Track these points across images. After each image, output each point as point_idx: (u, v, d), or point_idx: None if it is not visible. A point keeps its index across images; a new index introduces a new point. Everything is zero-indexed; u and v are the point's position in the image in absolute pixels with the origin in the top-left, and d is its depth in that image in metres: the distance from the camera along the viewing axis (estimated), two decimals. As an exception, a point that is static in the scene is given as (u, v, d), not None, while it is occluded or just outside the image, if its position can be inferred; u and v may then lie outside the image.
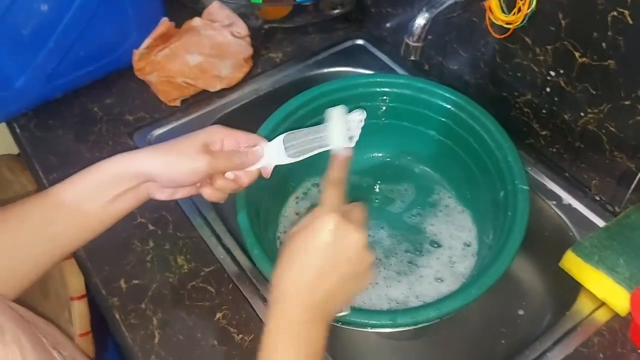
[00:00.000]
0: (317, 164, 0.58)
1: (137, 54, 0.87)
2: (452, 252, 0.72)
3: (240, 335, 0.59)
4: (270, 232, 0.72)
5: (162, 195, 0.55)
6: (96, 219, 0.53)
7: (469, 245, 0.73)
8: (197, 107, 0.85)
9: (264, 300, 0.62)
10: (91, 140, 0.80)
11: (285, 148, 0.56)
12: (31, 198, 0.51)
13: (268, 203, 0.71)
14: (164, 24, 0.87)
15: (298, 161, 0.57)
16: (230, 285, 0.64)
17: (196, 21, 0.90)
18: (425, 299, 0.68)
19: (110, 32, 0.84)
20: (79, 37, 0.80)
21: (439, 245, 0.73)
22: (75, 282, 0.80)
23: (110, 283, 0.64)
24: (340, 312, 0.49)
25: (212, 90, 0.87)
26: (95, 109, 0.85)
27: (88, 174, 0.52)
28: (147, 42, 0.87)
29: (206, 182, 0.55)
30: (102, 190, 0.52)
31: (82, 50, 0.82)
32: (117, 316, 0.61)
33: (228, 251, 0.67)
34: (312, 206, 0.76)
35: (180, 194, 0.56)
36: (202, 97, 0.86)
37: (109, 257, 0.67)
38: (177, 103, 0.86)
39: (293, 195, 0.78)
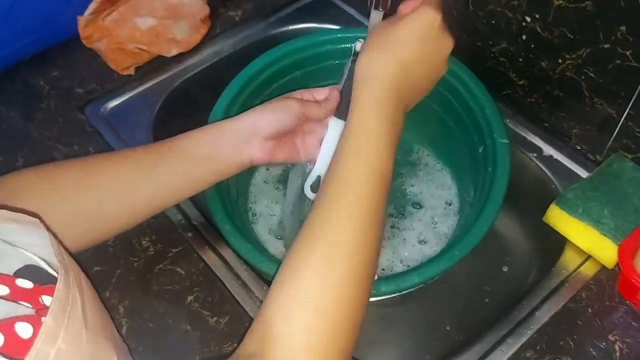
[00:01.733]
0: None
1: (82, 20, 0.80)
2: (434, 212, 0.70)
3: (215, 318, 0.56)
4: (241, 204, 0.68)
5: (263, 152, 0.53)
6: (204, 172, 0.52)
7: (450, 204, 0.70)
8: (153, 74, 0.79)
9: (238, 278, 0.59)
10: (38, 118, 0.74)
11: None
12: (147, 145, 0.53)
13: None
14: (109, -16, 0.80)
15: None
16: (201, 265, 0.60)
17: (145, -20, 0.83)
18: (409, 263, 0.66)
19: (49, -4, 0.76)
20: (14, 5, 0.72)
21: (421, 206, 0.71)
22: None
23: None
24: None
25: (168, 55, 0.81)
26: (40, 83, 0.78)
27: (206, 129, 0.53)
28: (92, 6, 0.80)
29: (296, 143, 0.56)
30: (214, 144, 0.52)
31: (19, 19, 0.74)
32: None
33: (196, 229, 0.63)
34: (283, 172, 0.73)
35: (280, 152, 0.55)
36: (158, 63, 0.80)
37: (68, 244, 0.62)
38: (131, 71, 0.79)
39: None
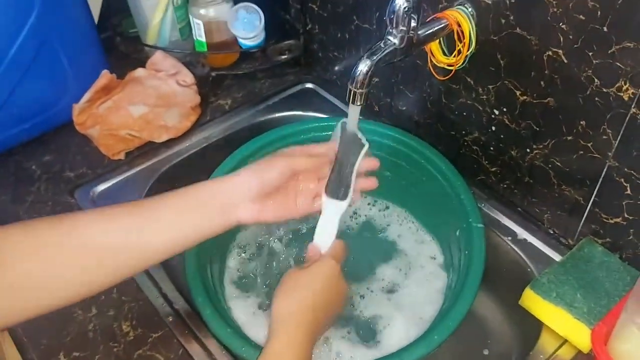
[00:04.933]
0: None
1: (76, 108, 0.83)
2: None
3: (193, 406, 0.55)
4: (218, 283, 0.69)
5: (250, 213, 0.54)
6: (184, 240, 0.53)
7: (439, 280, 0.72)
8: (143, 159, 0.82)
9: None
10: (29, 201, 0.76)
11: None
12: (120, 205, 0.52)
13: (214, 253, 0.69)
14: (105, 76, 0.85)
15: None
16: (180, 351, 0.60)
17: (139, 72, 0.88)
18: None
19: (46, 87, 0.81)
20: (12, 94, 0.77)
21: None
22: (14, 355, 0.73)
23: (48, 358, 0.59)
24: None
25: (158, 141, 0.84)
26: (32, 167, 0.81)
27: (185, 195, 0.54)
28: (87, 95, 0.84)
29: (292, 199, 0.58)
30: (196, 211, 0.53)
31: (15, 107, 0.78)
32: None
33: (177, 313, 0.63)
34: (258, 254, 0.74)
35: (269, 212, 0.56)
36: (148, 148, 0.84)
37: (47, 329, 0.62)
38: (121, 156, 0.82)
39: (234, 243, 0.76)
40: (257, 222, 0.56)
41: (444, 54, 0.67)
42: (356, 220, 0.80)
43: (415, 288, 0.70)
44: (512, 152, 0.69)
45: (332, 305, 0.55)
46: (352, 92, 0.56)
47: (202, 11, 0.89)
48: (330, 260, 0.56)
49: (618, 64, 0.53)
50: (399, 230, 0.78)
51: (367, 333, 0.66)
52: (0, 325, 0.48)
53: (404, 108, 0.82)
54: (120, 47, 0.97)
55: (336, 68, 0.92)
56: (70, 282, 0.49)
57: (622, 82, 0.53)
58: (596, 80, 0.56)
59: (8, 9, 0.73)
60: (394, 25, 0.56)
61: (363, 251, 0.75)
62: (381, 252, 0.76)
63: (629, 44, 0.51)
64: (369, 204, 0.81)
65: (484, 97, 0.68)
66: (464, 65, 0.66)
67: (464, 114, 0.72)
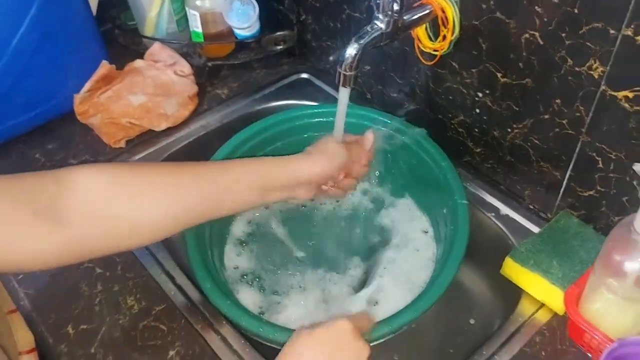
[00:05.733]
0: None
1: (77, 98, 0.87)
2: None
3: (196, 370, 0.59)
4: (217, 259, 0.72)
5: (308, 194, 0.60)
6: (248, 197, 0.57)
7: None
8: (143, 146, 0.85)
9: (217, 333, 0.62)
10: (34, 187, 0.79)
11: None
12: (201, 164, 0.57)
13: (214, 231, 0.72)
14: (104, 66, 0.88)
15: None
16: (183, 321, 0.63)
17: (138, 62, 0.91)
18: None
19: (48, 77, 0.83)
20: (14, 85, 0.79)
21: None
22: (24, 336, 0.77)
23: (57, 330, 0.63)
24: None
25: (157, 129, 0.87)
26: (36, 155, 0.84)
27: (267, 162, 0.59)
28: (88, 85, 0.87)
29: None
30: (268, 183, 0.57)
31: (19, 97, 0.81)
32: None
33: (179, 287, 0.66)
34: (259, 229, 0.78)
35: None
36: (148, 136, 0.87)
37: (55, 304, 0.65)
38: (122, 144, 0.85)
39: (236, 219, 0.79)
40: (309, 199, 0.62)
41: (430, 39, 0.70)
42: (352, 200, 0.83)
43: (410, 258, 0.74)
44: (495, 133, 0.73)
45: None
46: (341, 75, 0.60)
47: (198, 2, 0.93)
48: (343, 321, 0.51)
49: (588, 43, 0.57)
50: (392, 208, 0.82)
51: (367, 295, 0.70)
52: (86, 255, 0.51)
53: (395, 94, 0.86)
54: (119, 39, 1.00)
55: (330, 57, 0.96)
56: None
57: (592, 61, 0.57)
58: (569, 60, 0.59)
59: (9, 0, 0.75)
60: (380, 10, 0.59)
61: (360, 228, 0.79)
62: (377, 228, 0.79)
63: (597, 24, 0.55)
64: (368, 184, 0.84)
65: (468, 80, 0.72)
66: (449, 50, 0.69)
67: (450, 97, 0.76)
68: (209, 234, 0.69)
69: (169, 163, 0.57)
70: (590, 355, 0.59)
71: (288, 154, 0.62)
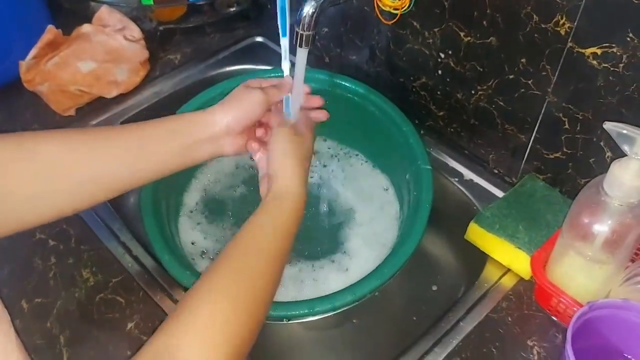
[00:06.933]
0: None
1: (23, 65, 0.82)
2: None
3: (155, 344, 0.57)
4: (174, 227, 0.70)
5: (235, 147, 0.58)
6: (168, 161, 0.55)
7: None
8: (94, 115, 0.82)
9: (176, 303, 0.60)
10: (-23, 159, 0.74)
11: None
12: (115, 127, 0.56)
13: (169, 199, 0.70)
14: (50, 31, 0.83)
15: None
16: (141, 293, 0.61)
17: (86, 27, 0.86)
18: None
19: (-10, 43, 0.78)
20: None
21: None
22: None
23: (11, 306, 0.59)
24: None
25: (108, 96, 0.83)
26: (-20, 125, 0.79)
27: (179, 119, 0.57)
28: (33, 51, 0.82)
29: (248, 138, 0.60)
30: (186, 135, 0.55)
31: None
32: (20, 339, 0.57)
33: (136, 258, 0.64)
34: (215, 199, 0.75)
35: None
36: (99, 104, 0.83)
37: (8, 278, 0.62)
38: (72, 112, 0.81)
39: (191, 184, 0.78)
40: (238, 155, 0.60)
41: (391, -2, 0.68)
42: (313, 163, 0.81)
43: (374, 217, 0.74)
44: (458, 95, 0.72)
45: (308, 153, 0.58)
46: (298, 35, 0.57)
47: (148, -38, 0.88)
48: (278, 130, 0.57)
49: (555, -1, 0.55)
50: (352, 169, 0.80)
51: (337, 260, 0.70)
52: None
53: (354, 57, 0.83)
54: (64, 4, 0.94)
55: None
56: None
57: (559, 17, 0.56)
58: (535, 16, 0.58)
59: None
60: (339, -35, 0.56)
61: (321, 190, 0.78)
62: (337, 189, 0.79)
63: (563, -22, 0.54)
64: (328, 148, 0.83)
65: (430, 40, 0.70)
66: (410, 8, 0.67)
67: (412, 59, 0.74)
68: (165, 205, 0.67)
69: (83, 129, 0.57)
70: (556, 319, 0.59)
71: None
